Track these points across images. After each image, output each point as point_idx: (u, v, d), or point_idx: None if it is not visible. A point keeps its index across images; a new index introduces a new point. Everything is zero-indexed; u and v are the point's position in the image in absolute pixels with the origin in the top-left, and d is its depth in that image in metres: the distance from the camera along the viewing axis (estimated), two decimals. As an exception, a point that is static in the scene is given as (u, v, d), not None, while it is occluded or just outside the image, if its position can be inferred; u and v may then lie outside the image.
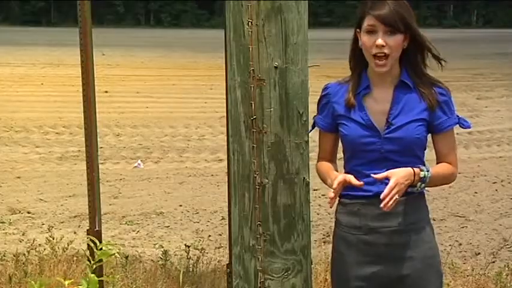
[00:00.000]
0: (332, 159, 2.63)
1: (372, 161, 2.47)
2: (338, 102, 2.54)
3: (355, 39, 2.50)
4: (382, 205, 2.33)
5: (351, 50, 2.54)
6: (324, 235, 6.07)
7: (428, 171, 2.41)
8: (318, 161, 2.65)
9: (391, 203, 2.33)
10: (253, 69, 2.63)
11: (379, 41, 2.38)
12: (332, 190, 2.43)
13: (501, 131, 11.79)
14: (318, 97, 2.64)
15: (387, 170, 2.39)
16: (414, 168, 2.39)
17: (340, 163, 2.62)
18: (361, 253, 2.52)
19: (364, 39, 2.42)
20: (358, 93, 2.50)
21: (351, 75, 2.55)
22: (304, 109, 2.74)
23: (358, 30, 2.47)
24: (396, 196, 2.33)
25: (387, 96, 2.46)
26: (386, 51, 2.39)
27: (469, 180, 8.18)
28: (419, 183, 2.40)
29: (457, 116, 2.49)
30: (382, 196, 2.33)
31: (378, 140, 2.46)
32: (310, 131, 2.50)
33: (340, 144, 2.61)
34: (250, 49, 2.62)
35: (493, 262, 5.27)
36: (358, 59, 2.51)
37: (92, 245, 2.42)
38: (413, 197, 2.45)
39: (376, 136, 2.46)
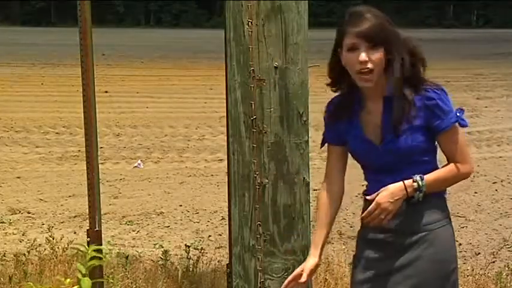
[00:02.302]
0: (338, 177, 2.60)
1: (378, 169, 2.50)
2: (340, 117, 2.52)
3: (336, 59, 2.45)
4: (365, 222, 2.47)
5: (329, 69, 2.49)
6: (324, 235, 6.06)
7: (422, 179, 2.42)
8: (323, 182, 2.61)
9: (376, 221, 2.43)
10: (253, 69, 2.64)
11: (363, 57, 2.36)
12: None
13: (501, 131, 11.77)
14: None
15: (392, 177, 2.43)
16: (406, 182, 2.41)
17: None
18: (373, 250, 2.53)
19: (347, 57, 2.39)
20: (354, 109, 2.49)
21: (341, 91, 2.52)
22: (304, 109, 2.75)
23: (339, 49, 2.41)
24: (382, 215, 2.42)
25: (379, 108, 2.45)
26: (370, 66, 2.37)
27: (469, 180, 8.14)
28: (416, 193, 2.43)
29: (456, 114, 2.43)
30: (362, 216, 2.46)
31: (378, 152, 2.47)
32: (321, 147, 2.58)
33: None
34: (250, 49, 2.62)
35: (493, 262, 5.26)
36: (339, 77, 2.48)
37: (83, 249, 2.42)
38: (423, 201, 2.46)
39: (375, 149, 2.47)
